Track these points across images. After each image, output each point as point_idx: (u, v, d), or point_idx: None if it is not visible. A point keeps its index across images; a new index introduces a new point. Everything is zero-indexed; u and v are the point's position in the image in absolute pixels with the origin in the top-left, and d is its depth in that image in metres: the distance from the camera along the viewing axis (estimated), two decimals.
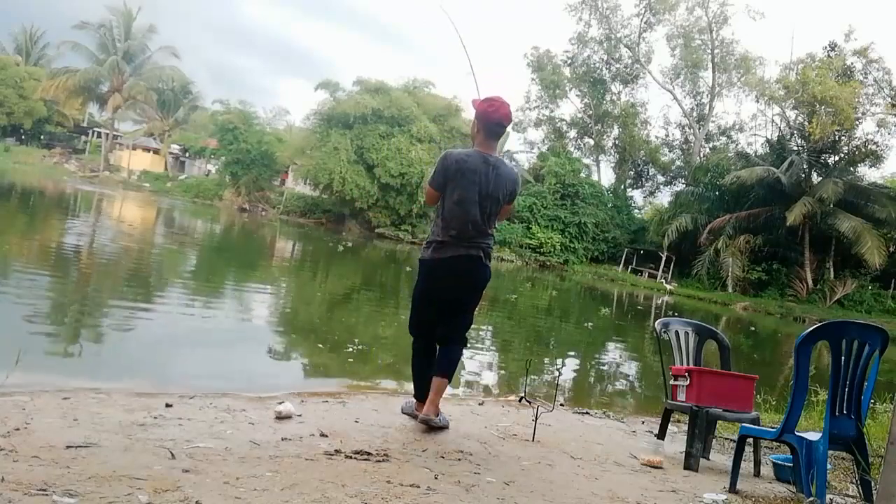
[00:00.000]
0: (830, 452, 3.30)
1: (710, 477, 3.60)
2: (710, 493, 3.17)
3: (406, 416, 3.84)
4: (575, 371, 8.29)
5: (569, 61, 41.47)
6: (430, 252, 3.64)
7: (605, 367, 9.07)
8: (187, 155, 48.72)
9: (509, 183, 3.65)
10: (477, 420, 4.20)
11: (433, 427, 3.58)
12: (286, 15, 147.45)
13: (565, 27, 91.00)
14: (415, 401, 3.83)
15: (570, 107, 43.85)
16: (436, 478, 2.79)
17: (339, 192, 32.13)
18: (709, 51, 38.41)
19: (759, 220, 29.88)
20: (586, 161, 41.16)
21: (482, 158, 3.58)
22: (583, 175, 38.10)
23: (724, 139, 40.22)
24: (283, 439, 3.11)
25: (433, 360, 3.69)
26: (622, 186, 41.34)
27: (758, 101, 35.58)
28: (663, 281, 31.89)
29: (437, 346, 3.73)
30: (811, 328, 3.10)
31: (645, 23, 39.75)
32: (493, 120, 3.62)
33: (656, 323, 4.45)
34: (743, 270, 29.26)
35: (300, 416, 3.59)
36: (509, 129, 35.15)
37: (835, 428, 3.04)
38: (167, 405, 3.43)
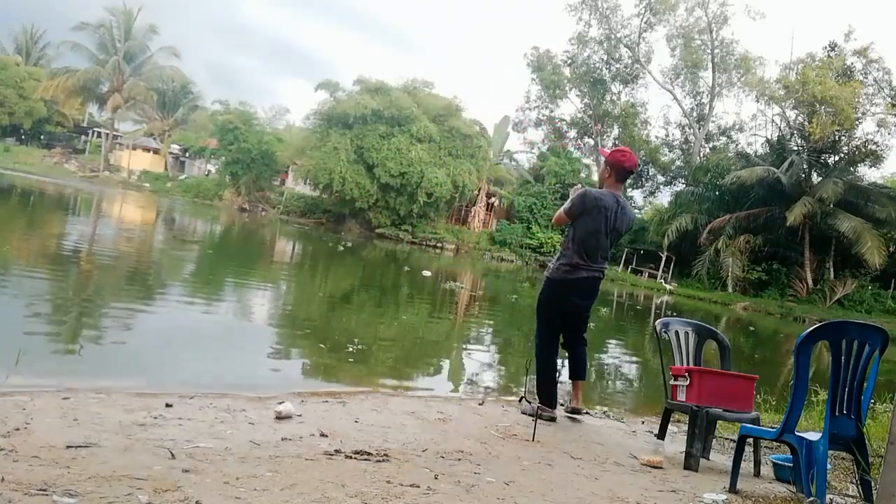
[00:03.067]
0: (830, 452, 3.29)
1: (710, 477, 3.60)
2: (710, 493, 3.16)
3: (526, 416, 4.32)
4: None
5: (569, 61, 41.51)
6: (561, 273, 4.36)
7: (606, 367, 9.06)
8: (187, 155, 48.71)
9: (629, 220, 4.46)
10: (477, 420, 4.20)
11: (577, 418, 4.49)
12: (286, 15, 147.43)
13: (565, 27, 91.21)
14: (538, 402, 4.37)
15: (570, 107, 43.96)
16: (436, 478, 2.79)
17: (339, 192, 32.13)
18: (709, 51, 38.43)
19: (759, 220, 29.88)
20: (586, 161, 41.22)
21: (614, 198, 4.34)
22: (583, 175, 38.11)
23: (724, 139, 40.26)
24: (283, 439, 3.11)
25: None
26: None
27: (758, 101, 35.64)
28: (663, 281, 31.89)
29: (568, 350, 4.52)
30: (811, 328, 3.10)
31: (645, 23, 39.79)
32: (626, 168, 4.40)
33: (656, 323, 4.45)
34: (743, 270, 29.26)
35: (300, 416, 3.59)
36: (509, 129, 35.05)
37: (835, 428, 3.03)
38: (167, 405, 3.43)
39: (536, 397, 4.63)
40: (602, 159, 4.52)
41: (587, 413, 4.85)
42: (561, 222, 4.49)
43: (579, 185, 4.71)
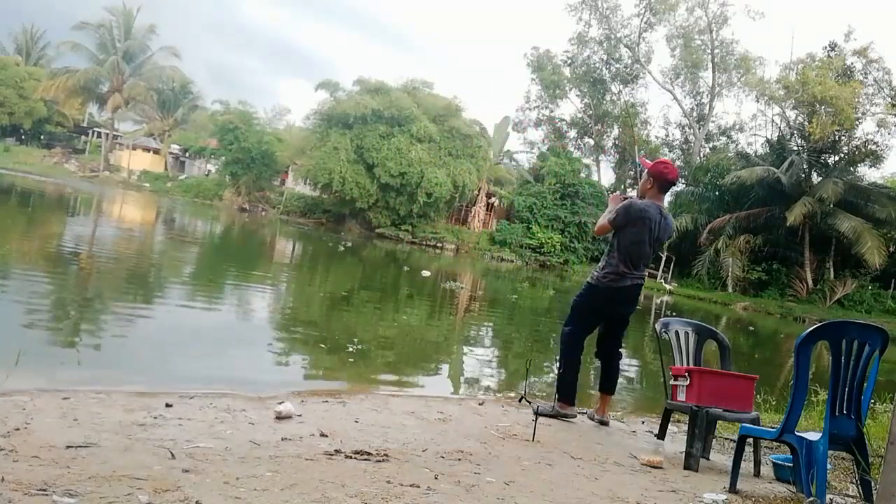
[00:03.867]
0: (830, 452, 3.29)
1: (710, 477, 3.60)
2: (710, 493, 3.16)
3: (546, 417, 4.38)
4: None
5: (569, 61, 41.52)
6: (607, 281, 4.46)
7: None
8: (187, 155, 48.70)
9: (670, 230, 4.63)
10: (477, 420, 4.20)
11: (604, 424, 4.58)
12: (286, 15, 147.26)
13: (565, 27, 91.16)
14: (557, 402, 4.50)
15: (570, 107, 43.95)
16: (436, 478, 2.79)
17: (339, 192, 32.13)
18: (709, 51, 38.42)
19: (759, 220, 29.88)
20: (586, 161, 41.23)
21: (657, 209, 4.46)
22: (583, 175, 38.11)
23: (724, 139, 40.25)
24: (283, 439, 3.11)
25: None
26: (622, 186, 41.35)
27: (758, 101, 35.63)
28: (663, 281, 31.87)
29: (604, 359, 4.64)
30: (811, 328, 3.10)
31: (645, 23, 39.79)
32: (668, 179, 4.54)
33: (656, 323, 4.45)
34: (743, 270, 29.26)
35: (300, 416, 3.59)
36: (509, 129, 35.02)
37: (835, 428, 3.03)
38: (167, 405, 3.43)
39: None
40: (644, 170, 4.59)
41: (584, 412, 4.86)
42: (604, 231, 4.55)
43: (618, 193, 4.91)
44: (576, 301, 4.65)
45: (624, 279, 4.44)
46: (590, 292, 4.56)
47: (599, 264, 4.61)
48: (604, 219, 4.54)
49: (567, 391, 4.51)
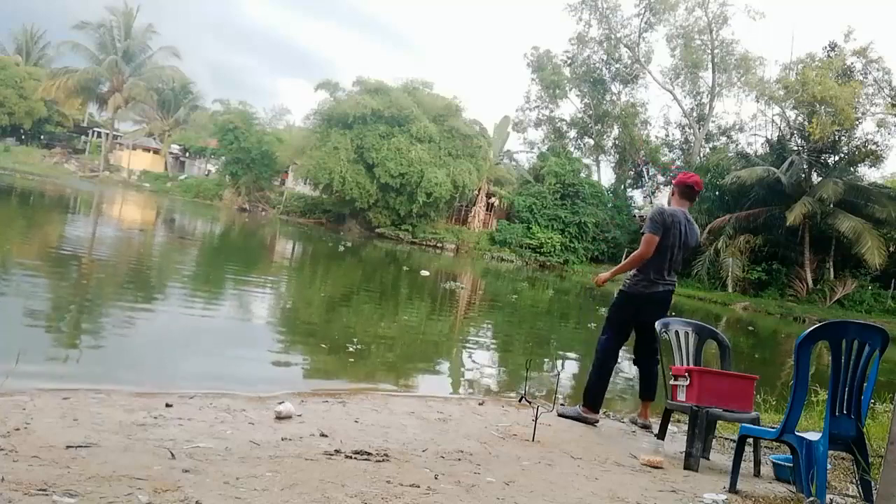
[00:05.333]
0: (830, 452, 3.29)
1: (710, 477, 3.60)
2: (710, 493, 3.16)
3: (563, 416, 4.56)
4: (575, 371, 8.29)
5: (569, 61, 41.47)
6: (639, 288, 4.55)
7: None
8: (187, 155, 48.71)
9: (696, 235, 4.74)
10: (477, 420, 4.20)
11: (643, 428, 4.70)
12: (286, 15, 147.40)
13: (565, 27, 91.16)
14: (581, 406, 4.59)
15: (570, 107, 43.90)
16: (436, 478, 2.79)
17: (339, 192, 32.13)
18: (709, 51, 38.39)
19: (759, 220, 29.86)
20: (586, 161, 41.19)
21: (683, 214, 4.58)
22: (583, 175, 38.10)
23: (724, 139, 40.19)
24: (283, 439, 3.11)
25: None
26: (622, 186, 41.34)
27: (758, 101, 35.58)
28: None
29: (642, 366, 4.72)
30: (811, 328, 3.10)
31: (645, 23, 39.75)
32: (688, 184, 4.64)
33: (656, 323, 4.45)
34: (743, 270, 29.24)
35: (300, 416, 3.59)
36: (509, 129, 35.00)
37: (835, 428, 3.03)
38: (167, 405, 3.43)
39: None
40: (670, 187, 4.82)
41: (607, 415, 4.92)
42: (653, 245, 4.48)
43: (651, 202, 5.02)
44: (610, 310, 4.75)
45: (655, 285, 4.53)
46: (623, 300, 4.66)
47: (630, 271, 4.70)
48: (646, 236, 4.47)
49: (594, 399, 4.60)
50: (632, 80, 41.32)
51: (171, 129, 48.48)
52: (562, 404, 4.90)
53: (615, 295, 4.76)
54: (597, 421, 4.59)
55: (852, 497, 3.34)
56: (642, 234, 4.53)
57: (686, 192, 4.65)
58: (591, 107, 41.13)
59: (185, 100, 48.55)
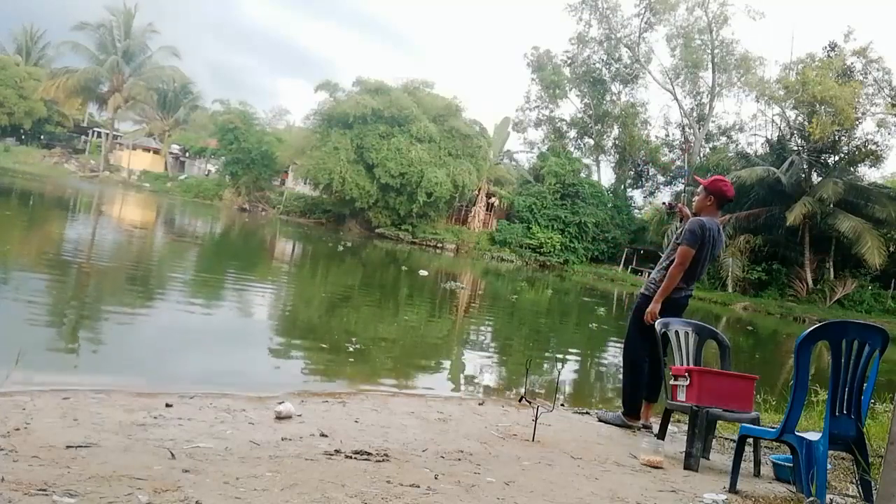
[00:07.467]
0: (830, 452, 3.29)
1: (710, 477, 3.60)
2: (710, 493, 3.16)
3: (603, 422, 4.65)
4: (575, 371, 8.29)
5: (569, 61, 41.49)
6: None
7: (605, 367, 9.06)
8: (187, 155, 48.70)
9: (721, 245, 4.73)
10: (477, 420, 4.20)
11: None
12: (286, 15, 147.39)
13: (565, 27, 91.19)
14: (624, 413, 4.65)
15: (570, 107, 43.91)
16: (436, 478, 2.79)
17: (339, 192, 32.13)
18: (709, 51, 38.40)
19: (759, 220, 29.87)
20: (586, 161, 41.20)
21: (717, 225, 4.60)
22: (583, 175, 38.11)
23: (724, 139, 40.21)
24: (283, 439, 3.11)
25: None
26: (622, 186, 41.34)
27: (758, 101, 35.62)
28: None
29: (651, 368, 4.68)
30: (811, 328, 3.09)
31: (645, 23, 39.77)
32: (727, 197, 4.64)
33: (656, 323, 4.44)
34: (743, 270, 29.25)
35: (300, 416, 3.59)
36: (509, 129, 35.05)
37: (835, 428, 3.03)
38: (167, 405, 3.43)
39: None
40: (700, 187, 4.70)
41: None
42: (690, 257, 4.49)
43: (676, 202, 5.12)
44: (633, 314, 4.78)
45: (679, 291, 4.59)
46: (646, 304, 4.66)
47: (654, 276, 4.73)
48: (684, 248, 4.45)
49: (633, 405, 4.66)
50: (632, 80, 41.34)
51: (171, 129, 48.47)
52: (600, 409, 4.97)
53: (637, 299, 4.77)
54: (639, 427, 4.63)
55: (852, 497, 3.34)
56: (678, 244, 4.50)
57: (724, 202, 4.65)
58: (591, 107, 41.15)
59: (185, 100, 48.55)
